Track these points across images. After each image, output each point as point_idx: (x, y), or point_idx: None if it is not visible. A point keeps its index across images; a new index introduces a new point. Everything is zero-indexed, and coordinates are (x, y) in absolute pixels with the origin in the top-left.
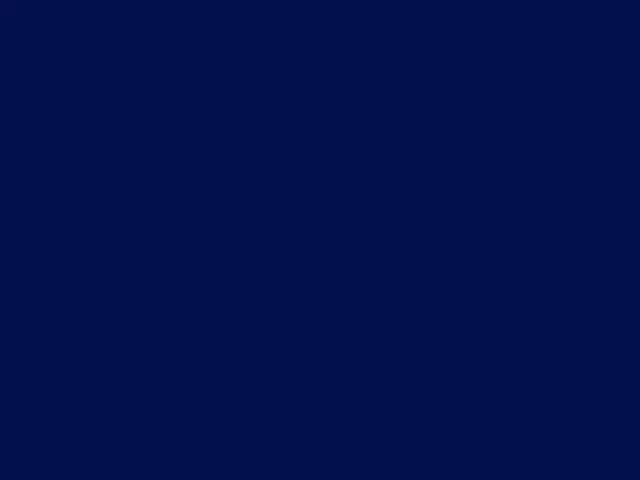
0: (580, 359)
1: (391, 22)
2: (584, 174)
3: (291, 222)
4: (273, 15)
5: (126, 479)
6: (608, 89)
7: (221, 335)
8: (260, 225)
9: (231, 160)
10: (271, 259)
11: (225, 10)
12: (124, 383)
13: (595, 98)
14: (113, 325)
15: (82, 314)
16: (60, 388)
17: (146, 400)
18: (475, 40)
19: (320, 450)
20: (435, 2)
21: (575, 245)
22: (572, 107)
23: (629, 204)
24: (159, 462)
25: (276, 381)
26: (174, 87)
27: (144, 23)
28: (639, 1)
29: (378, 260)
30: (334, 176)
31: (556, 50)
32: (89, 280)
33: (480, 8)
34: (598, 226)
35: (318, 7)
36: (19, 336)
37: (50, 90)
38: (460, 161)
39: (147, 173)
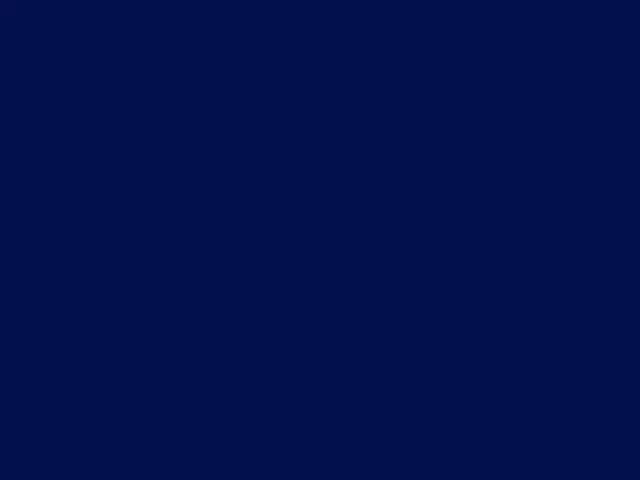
0: (580, 359)
1: (391, 22)
2: (584, 174)
3: (291, 222)
4: (273, 15)
5: (126, 479)
6: (608, 89)
7: (221, 334)
8: (260, 225)
9: (231, 160)
10: (271, 259)
11: (225, 10)
12: (124, 383)
13: (595, 98)
14: (113, 325)
15: (82, 314)
16: (60, 388)
17: (146, 400)
18: (475, 40)
19: (320, 450)
20: (435, 2)
21: (575, 245)
22: (572, 107)
23: (629, 204)
24: (159, 462)
25: (276, 381)
26: (174, 87)
27: (144, 23)
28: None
29: (378, 260)
30: (334, 176)
31: (556, 50)
32: (89, 280)
33: (480, 8)
34: (598, 226)
35: (318, 7)
36: (19, 336)
37: (50, 90)
38: (460, 161)
39: (147, 173)
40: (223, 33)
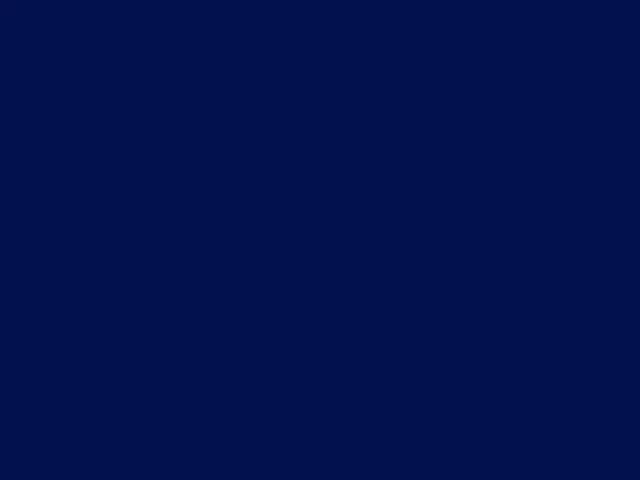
0: (580, 359)
1: (391, 22)
2: (584, 174)
3: (291, 222)
4: (273, 15)
5: (126, 479)
6: (608, 89)
7: (221, 334)
8: (260, 225)
9: (231, 159)
10: (271, 259)
11: (225, 10)
12: (124, 382)
13: (595, 98)
14: (113, 324)
15: (82, 313)
16: (60, 387)
17: (146, 399)
18: (475, 40)
19: (320, 450)
20: (435, 2)
21: (575, 245)
22: (572, 107)
23: (629, 204)
24: (159, 462)
25: (276, 381)
26: (174, 87)
27: (144, 23)
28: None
29: (378, 260)
30: (334, 176)
31: (556, 50)
32: (89, 279)
33: (480, 8)
34: (598, 226)
35: (318, 7)
36: (19, 336)
37: (50, 90)
38: (460, 161)
39: (147, 172)
40: (223, 33)
